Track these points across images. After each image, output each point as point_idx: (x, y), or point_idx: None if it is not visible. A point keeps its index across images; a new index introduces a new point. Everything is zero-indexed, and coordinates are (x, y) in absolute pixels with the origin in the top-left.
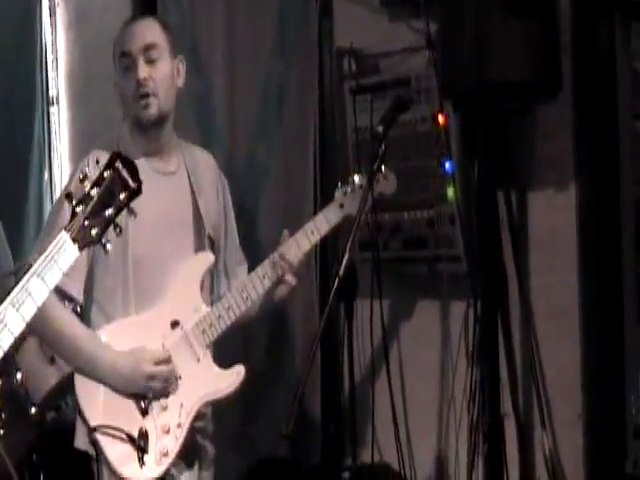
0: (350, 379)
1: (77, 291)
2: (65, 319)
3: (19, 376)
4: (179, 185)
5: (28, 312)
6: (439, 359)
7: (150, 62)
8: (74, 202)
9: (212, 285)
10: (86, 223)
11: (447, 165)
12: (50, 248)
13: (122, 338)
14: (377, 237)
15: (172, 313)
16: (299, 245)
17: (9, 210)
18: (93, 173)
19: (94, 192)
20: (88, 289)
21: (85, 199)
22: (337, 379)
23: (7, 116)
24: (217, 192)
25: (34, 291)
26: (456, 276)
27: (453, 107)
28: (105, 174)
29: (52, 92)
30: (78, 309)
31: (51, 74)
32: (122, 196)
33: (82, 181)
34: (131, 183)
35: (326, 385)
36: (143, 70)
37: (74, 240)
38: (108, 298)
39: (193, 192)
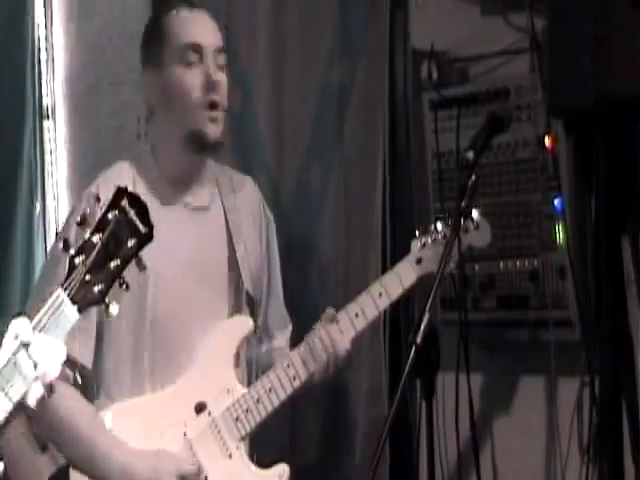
0: (430, 476)
1: (85, 357)
2: (67, 403)
3: (1, 467)
4: (212, 224)
5: (17, 392)
6: (544, 453)
7: (220, 69)
8: (72, 251)
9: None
10: (87, 278)
11: (556, 202)
12: (42, 311)
13: (131, 423)
14: (465, 293)
15: (198, 393)
16: (363, 311)
17: None
18: (94, 213)
19: (96, 239)
20: (97, 359)
21: (86, 248)
22: (412, 476)
23: None
24: (260, 233)
25: (24, 366)
26: (567, 345)
27: (564, 127)
28: (109, 216)
29: (46, 102)
30: (81, 380)
31: (45, 79)
32: (130, 244)
33: (81, 224)
34: (141, 227)
35: None
36: (217, 73)
37: (73, 300)
38: (119, 370)
39: (230, 234)
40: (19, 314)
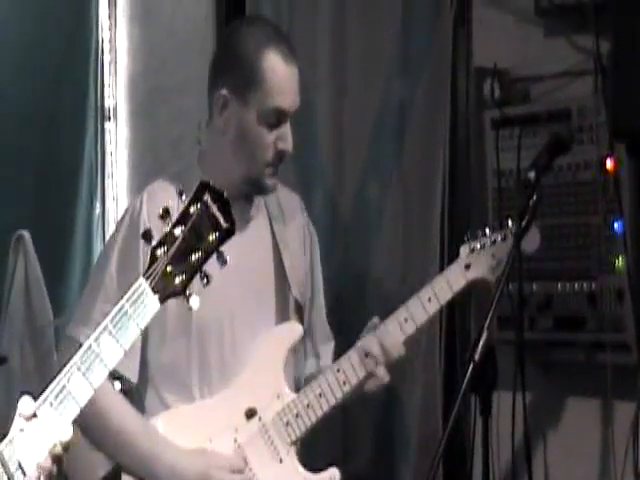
0: None
1: (131, 370)
2: (113, 405)
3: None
4: (258, 234)
5: (97, 378)
6: (598, 476)
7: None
8: (154, 242)
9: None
10: (169, 269)
11: (616, 225)
12: (124, 300)
13: (182, 430)
14: (522, 313)
15: (248, 399)
16: (412, 316)
17: (51, 251)
18: (175, 207)
19: (178, 231)
20: (142, 366)
21: (167, 240)
22: None
23: (51, 134)
24: (304, 245)
25: (105, 352)
26: (623, 369)
27: (627, 150)
28: (191, 209)
29: (108, 103)
30: (128, 390)
31: (107, 81)
32: (211, 238)
33: (163, 217)
34: (222, 222)
35: None
36: (291, 141)
37: (154, 290)
38: (166, 378)
39: (276, 243)
40: None
